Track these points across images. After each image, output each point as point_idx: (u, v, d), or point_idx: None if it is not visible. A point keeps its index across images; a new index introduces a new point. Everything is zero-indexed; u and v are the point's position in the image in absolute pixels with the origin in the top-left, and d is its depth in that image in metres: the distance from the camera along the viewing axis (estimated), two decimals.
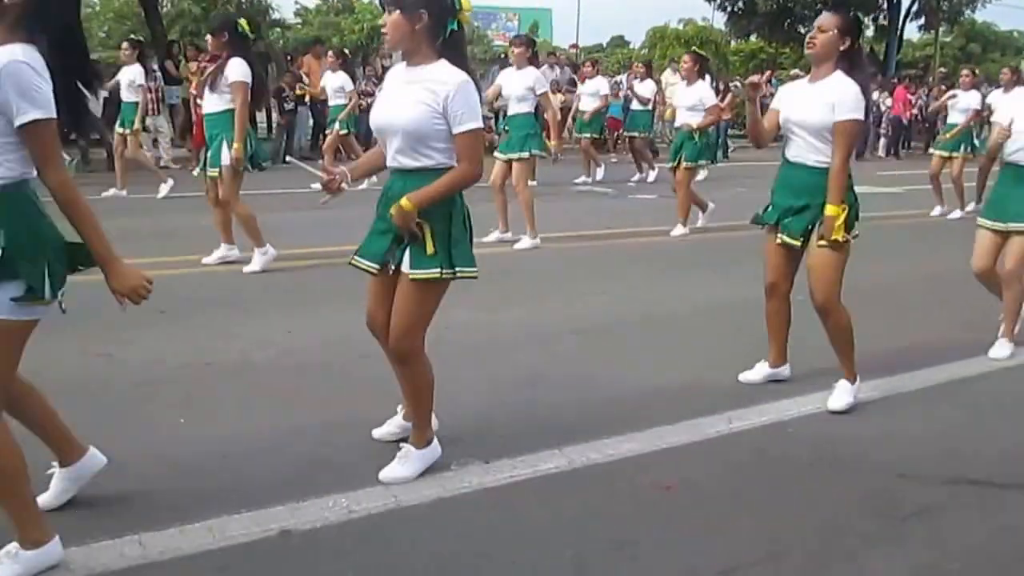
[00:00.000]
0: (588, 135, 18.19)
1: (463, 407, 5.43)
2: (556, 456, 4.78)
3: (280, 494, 4.20)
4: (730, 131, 27.08)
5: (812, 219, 5.48)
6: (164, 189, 14.06)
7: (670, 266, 9.59)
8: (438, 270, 4.30)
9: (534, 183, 13.66)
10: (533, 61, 11.00)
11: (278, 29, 45.74)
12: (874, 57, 40.94)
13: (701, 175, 17.62)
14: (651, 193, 16.14)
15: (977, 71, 16.55)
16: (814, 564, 3.93)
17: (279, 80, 23.29)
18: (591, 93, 18.37)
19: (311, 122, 21.70)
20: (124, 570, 3.63)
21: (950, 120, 14.92)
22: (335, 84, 16.14)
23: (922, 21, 43.78)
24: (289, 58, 25.49)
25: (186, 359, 6.11)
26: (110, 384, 5.67)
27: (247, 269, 8.90)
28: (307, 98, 20.16)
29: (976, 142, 14.91)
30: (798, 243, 5.56)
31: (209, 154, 8.95)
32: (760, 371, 6.02)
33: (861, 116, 5.40)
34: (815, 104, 5.41)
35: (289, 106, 20.26)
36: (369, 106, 21.82)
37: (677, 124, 12.59)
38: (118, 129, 14.50)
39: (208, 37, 9.16)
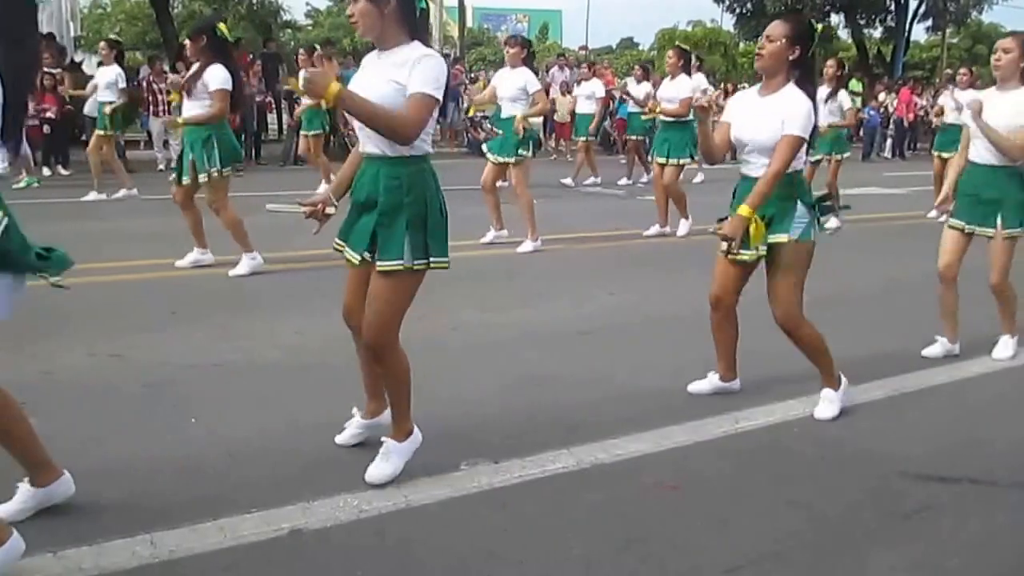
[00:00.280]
0: (584, 137, 18.10)
1: (472, 407, 5.46)
2: (564, 456, 4.80)
3: (290, 494, 4.23)
4: None
5: (775, 224, 5.25)
6: (121, 193, 13.91)
7: (676, 267, 9.59)
8: (403, 262, 4.24)
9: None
10: (528, 62, 10.82)
11: (289, 30, 45.84)
12: (881, 59, 40.98)
13: (698, 178, 17.59)
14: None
15: (974, 69, 16.47)
16: (818, 562, 3.95)
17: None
18: (587, 95, 18.28)
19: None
20: (136, 569, 3.65)
21: (946, 119, 14.81)
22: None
23: (929, 23, 43.71)
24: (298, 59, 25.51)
25: (195, 360, 6.14)
26: (120, 385, 5.69)
27: (233, 272, 8.78)
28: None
29: None
30: (748, 257, 5.32)
31: (187, 161, 8.73)
32: (711, 382, 5.85)
33: (806, 135, 5.13)
34: (765, 121, 5.17)
35: (300, 107, 20.26)
36: None
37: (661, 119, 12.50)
38: (97, 131, 14.28)
39: (187, 42, 9.02)
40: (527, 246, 10.62)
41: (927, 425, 5.54)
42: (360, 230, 4.34)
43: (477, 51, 49.93)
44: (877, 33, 43.47)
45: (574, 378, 5.98)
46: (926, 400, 5.96)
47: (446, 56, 19.42)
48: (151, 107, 18.79)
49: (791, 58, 5.12)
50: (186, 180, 8.75)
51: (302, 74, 4.03)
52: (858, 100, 29.47)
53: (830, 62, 13.54)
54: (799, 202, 5.24)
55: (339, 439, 4.83)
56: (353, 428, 4.86)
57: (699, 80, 13.75)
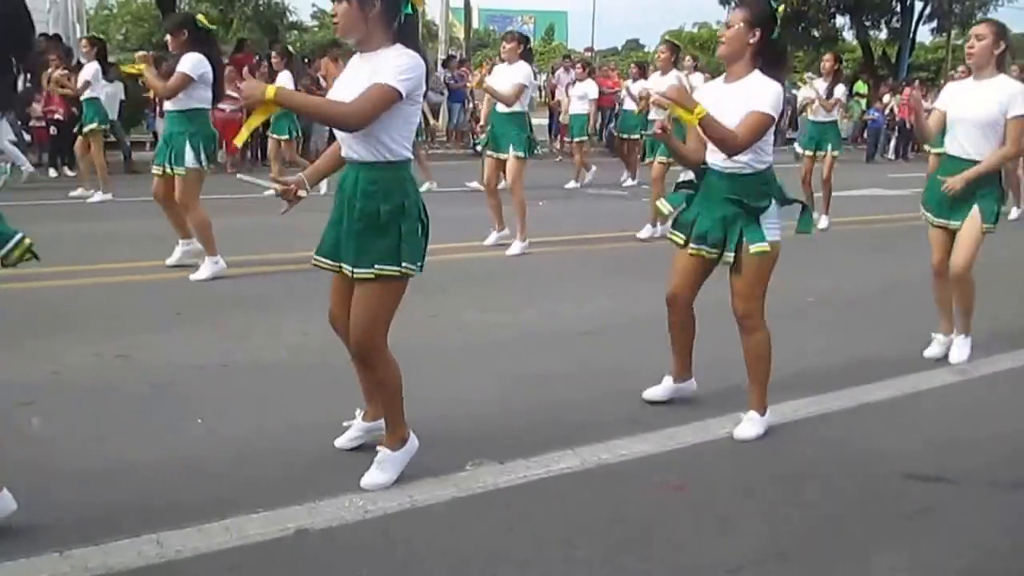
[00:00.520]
0: (577, 138, 17.92)
1: (476, 408, 5.47)
2: (569, 456, 4.81)
3: (296, 494, 4.24)
4: None
5: (743, 229, 5.03)
6: (97, 196, 13.71)
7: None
8: (377, 270, 4.16)
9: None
10: (525, 57, 10.59)
11: (295, 32, 45.87)
12: (886, 60, 40.95)
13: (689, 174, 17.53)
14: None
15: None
16: (820, 563, 3.96)
17: (297, 83, 23.35)
18: (580, 96, 18.09)
19: None
20: (142, 568, 3.67)
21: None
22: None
23: (934, 24, 43.64)
24: (306, 61, 25.52)
25: (202, 360, 6.15)
26: (125, 385, 5.71)
27: (194, 277, 8.55)
28: None
29: None
30: (731, 259, 5.10)
31: (170, 152, 8.57)
32: (666, 387, 5.66)
33: (775, 114, 4.87)
34: (730, 108, 4.91)
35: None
36: None
37: (651, 117, 12.31)
38: (85, 128, 14.03)
39: (167, 36, 8.73)
40: (515, 248, 10.49)
41: (929, 426, 5.54)
42: (341, 241, 4.30)
43: (483, 52, 49.85)
44: (882, 35, 43.41)
45: (578, 378, 5.98)
46: (928, 401, 5.96)
47: (451, 58, 19.43)
48: (157, 108, 18.80)
49: (752, 42, 4.93)
50: (169, 170, 8.61)
51: (240, 87, 4.05)
52: (863, 102, 29.52)
53: (827, 56, 13.66)
54: (774, 201, 5.09)
55: (338, 442, 4.81)
56: (353, 431, 4.84)
57: (695, 80, 13.67)
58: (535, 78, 24.27)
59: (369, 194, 4.14)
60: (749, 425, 5.17)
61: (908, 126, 28.28)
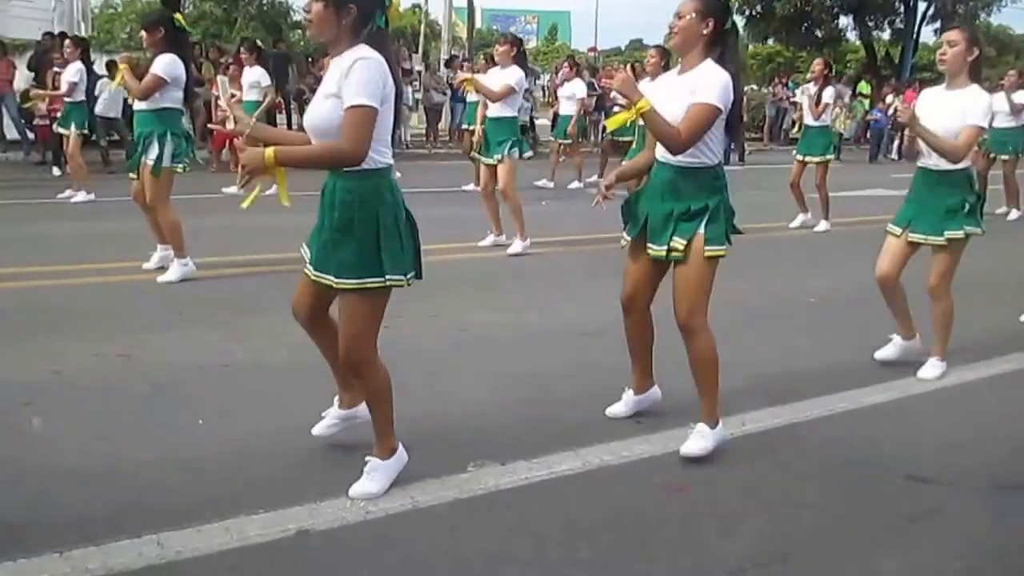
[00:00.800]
0: (561, 138, 17.68)
1: (478, 409, 5.47)
2: (571, 458, 4.81)
3: (297, 494, 4.23)
4: (745, 134, 26.95)
5: (696, 227, 4.80)
6: (80, 197, 13.49)
7: None
8: (358, 280, 4.09)
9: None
10: (519, 60, 10.52)
11: (299, 31, 45.90)
12: (889, 60, 40.93)
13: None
14: None
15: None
16: (824, 564, 3.96)
17: (300, 82, 23.39)
18: (568, 96, 17.75)
19: None
20: (142, 569, 3.66)
21: None
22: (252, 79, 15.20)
23: (938, 25, 43.61)
24: (310, 60, 25.52)
25: (203, 360, 6.15)
26: (127, 385, 5.70)
27: (161, 279, 8.45)
28: None
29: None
30: (662, 254, 4.88)
31: (142, 152, 8.45)
32: (627, 402, 5.45)
33: (721, 106, 4.65)
34: (677, 97, 4.73)
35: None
36: None
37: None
38: (59, 129, 14.01)
39: (143, 33, 8.57)
40: (516, 247, 10.48)
41: (931, 427, 5.54)
42: (319, 247, 4.27)
43: (485, 52, 49.89)
44: (886, 35, 43.40)
45: (579, 379, 5.97)
46: (930, 402, 5.95)
47: (454, 57, 19.42)
48: None
49: (704, 32, 4.74)
50: (136, 174, 8.57)
51: (241, 158, 4.04)
52: (866, 102, 29.51)
53: (817, 60, 13.68)
54: (725, 203, 4.89)
55: (315, 430, 4.79)
56: (330, 419, 4.81)
57: None
58: (537, 79, 24.13)
59: (345, 203, 4.09)
60: (697, 439, 4.91)
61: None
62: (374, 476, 4.36)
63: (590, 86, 22.37)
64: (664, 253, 4.86)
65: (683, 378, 5.77)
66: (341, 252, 4.11)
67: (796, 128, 14.53)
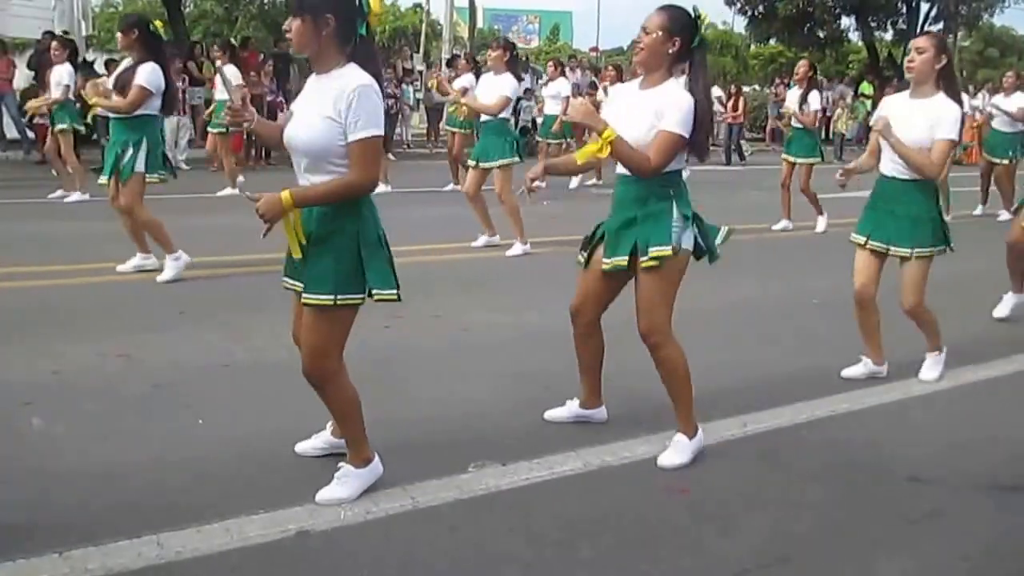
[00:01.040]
0: (555, 141, 17.46)
1: (479, 409, 5.47)
2: (572, 458, 4.80)
3: (298, 495, 4.22)
4: (747, 134, 26.97)
5: (638, 235, 4.72)
6: (74, 196, 13.43)
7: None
8: (331, 297, 4.02)
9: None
10: (512, 66, 10.47)
11: None
12: (892, 61, 40.91)
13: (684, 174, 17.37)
14: None
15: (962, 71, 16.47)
16: (826, 566, 3.95)
17: (301, 81, 23.38)
18: (552, 96, 17.55)
19: None
20: (142, 570, 3.65)
21: None
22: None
23: (940, 26, 43.60)
24: (309, 60, 25.54)
25: (203, 360, 6.15)
26: (128, 385, 5.70)
27: (160, 279, 8.43)
28: None
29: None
30: (624, 263, 4.79)
31: (119, 162, 8.34)
32: (570, 409, 5.39)
33: (686, 133, 4.58)
34: (640, 116, 4.66)
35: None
36: (388, 109, 21.50)
37: None
38: (60, 126, 13.83)
39: (118, 35, 8.52)
40: (516, 249, 10.41)
41: (933, 429, 5.54)
42: (297, 260, 4.16)
43: (487, 52, 49.89)
44: (888, 36, 43.39)
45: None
46: (934, 404, 5.94)
47: (456, 57, 19.42)
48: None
49: (671, 51, 4.65)
50: (109, 179, 8.47)
51: (256, 208, 3.97)
52: (868, 103, 29.49)
53: (801, 63, 13.54)
54: (675, 207, 4.74)
55: (299, 447, 4.73)
56: (319, 441, 4.75)
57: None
58: (539, 79, 24.11)
59: (322, 217, 4.05)
60: (674, 451, 4.86)
61: None
62: (345, 482, 4.29)
63: (591, 85, 22.33)
64: (610, 265, 4.84)
65: None
66: (316, 266, 4.05)
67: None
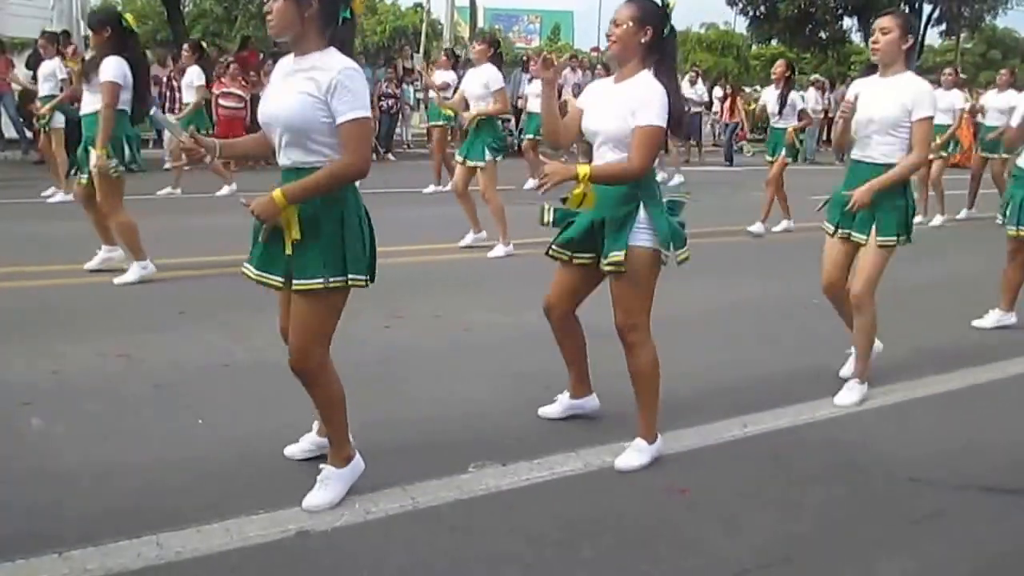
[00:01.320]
0: (532, 136, 17.31)
1: (480, 409, 5.46)
2: (572, 459, 4.80)
3: (298, 495, 4.20)
4: (748, 135, 26.92)
5: (615, 233, 4.69)
6: (58, 196, 13.19)
7: (683, 270, 9.45)
8: (322, 280, 3.96)
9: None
10: (495, 60, 10.42)
11: None
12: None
13: (675, 179, 17.32)
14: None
15: (960, 70, 16.46)
16: (827, 566, 3.95)
17: (208, 76, 23.33)
18: (537, 95, 17.24)
19: None
20: (141, 570, 3.65)
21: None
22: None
23: (943, 27, 43.62)
24: None
25: (203, 360, 6.14)
26: (128, 385, 5.69)
27: (118, 280, 8.27)
28: None
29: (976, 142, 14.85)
30: (586, 261, 4.83)
31: (81, 157, 8.36)
32: (562, 403, 5.40)
33: (663, 124, 4.56)
34: (615, 110, 4.64)
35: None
36: (388, 109, 21.41)
37: None
38: (55, 125, 13.66)
39: (89, 32, 8.32)
40: (499, 250, 10.31)
41: (937, 430, 5.52)
42: (274, 253, 4.09)
43: (471, 46, 49.92)
44: None
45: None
46: (936, 405, 5.93)
47: (456, 58, 19.40)
48: (164, 105, 18.82)
49: (643, 41, 4.61)
50: (84, 179, 8.40)
51: (254, 212, 3.95)
52: None
53: (779, 62, 13.36)
54: (641, 206, 4.67)
55: (288, 450, 4.69)
56: (307, 443, 4.70)
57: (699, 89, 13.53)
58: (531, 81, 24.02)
59: (307, 203, 3.97)
60: (633, 454, 4.80)
61: None
62: (328, 485, 4.25)
63: (529, 82, 22.15)
64: (589, 262, 4.82)
65: (682, 380, 5.78)
66: (303, 253, 3.99)
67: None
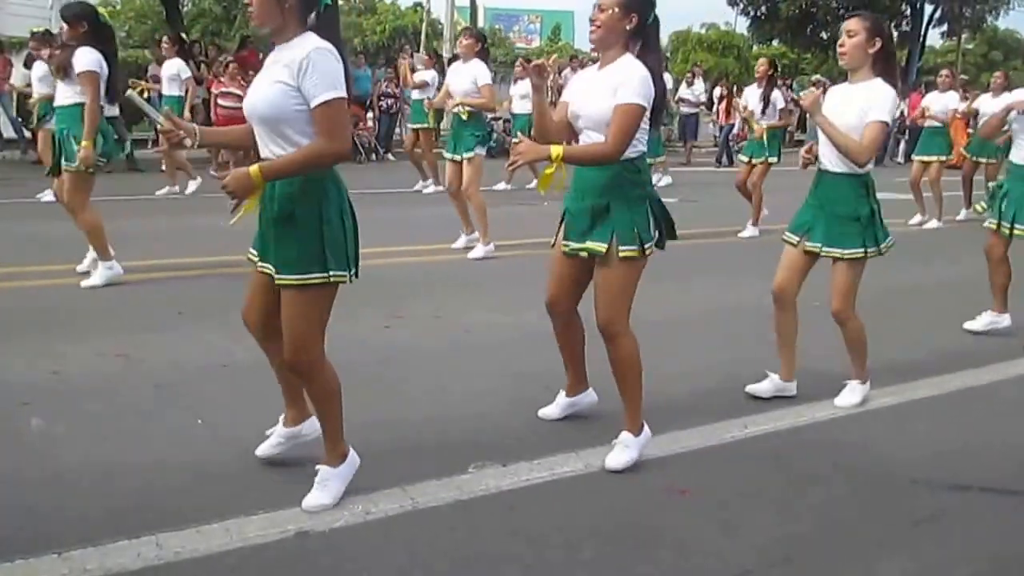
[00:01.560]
0: (516, 138, 17.05)
1: (480, 409, 5.46)
2: (572, 459, 4.79)
3: (297, 495, 4.19)
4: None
5: (605, 221, 4.65)
6: (48, 195, 12.71)
7: (684, 271, 9.45)
8: (301, 276, 3.93)
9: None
10: (482, 55, 10.32)
11: None
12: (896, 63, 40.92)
13: (664, 180, 17.26)
14: (672, 197, 16.11)
15: (955, 71, 16.45)
16: (827, 567, 3.94)
17: (192, 68, 23.35)
18: (522, 95, 17.08)
19: None
20: (141, 570, 3.64)
21: (927, 124, 14.64)
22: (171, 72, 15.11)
23: (945, 28, 43.61)
24: None
25: (203, 360, 6.14)
26: (127, 385, 5.69)
27: (85, 284, 8.14)
28: None
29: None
30: (602, 249, 4.65)
31: (62, 151, 8.16)
32: (559, 403, 5.41)
33: (644, 103, 4.51)
34: (597, 92, 4.60)
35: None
36: (388, 109, 21.30)
37: None
38: (47, 127, 12.84)
39: (63, 26, 8.18)
40: (479, 251, 10.24)
41: (937, 432, 5.51)
42: (267, 240, 4.08)
43: (488, 51, 49.94)
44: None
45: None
46: (937, 407, 5.92)
47: (457, 58, 19.39)
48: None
49: (628, 28, 4.58)
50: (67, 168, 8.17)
51: (223, 184, 3.88)
52: None
53: (761, 61, 13.14)
54: (648, 196, 4.71)
55: (259, 451, 4.63)
56: (275, 438, 4.63)
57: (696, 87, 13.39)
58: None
59: (286, 196, 3.92)
60: (621, 452, 4.77)
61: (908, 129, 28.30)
62: (327, 486, 4.23)
63: (514, 83, 22.07)
64: (581, 250, 4.74)
65: (683, 380, 5.79)
66: (282, 247, 3.96)
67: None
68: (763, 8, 40.14)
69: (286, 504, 4.15)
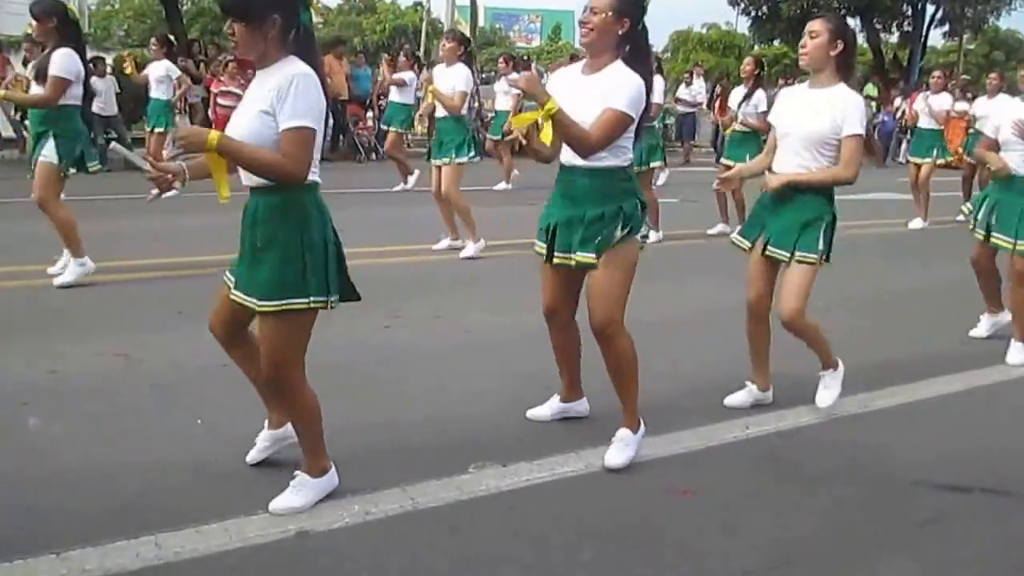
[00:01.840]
0: (500, 137, 16.60)
1: (480, 410, 5.45)
2: (573, 459, 4.78)
3: None
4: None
5: (597, 231, 4.61)
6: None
7: (684, 270, 9.56)
8: (278, 303, 3.89)
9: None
10: (465, 59, 10.20)
11: None
12: (897, 64, 40.89)
13: (661, 179, 17.25)
14: (673, 197, 16.10)
15: (953, 73, 16.41)
16: (829, 569, 3.94)
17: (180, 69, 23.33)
18: (505, 92, 17.01)
19: (331, 121, 21.61)
20: (140, 570, 3.63)
21: (920, 124, 14.62)
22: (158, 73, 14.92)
23: (946, 28, 43.61)
24: None
25: (203, 360, 6.10)
26: (127, 385, 5.69)
27: (58, 282, 8.05)
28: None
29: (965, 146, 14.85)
30: (593, 261, 4.62)
31: (37, 152, 8.07)
32: (551, 406, 5.37)
33: (633, 114, 4.50)
34: (587, 100, 4.52)
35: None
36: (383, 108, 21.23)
37: None
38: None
39: (33, 22, 8.15)
40: (469, 250, 10.18)
41: (940, 433, 5.51)
42: (243, 269, 4.07)
43: (489, 51, 49.97)
44: (894, 38, 43.38)
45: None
46: (939, 408, 5.92)
47: (417, 59, 19.33)
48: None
49: (620, 32, 4.54)
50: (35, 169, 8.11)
51: (177, 133, 3.87)
52: (873, 105, 29.44)
53: (747, 59, 12.86)
54: (621, 206, 4.63)
55: (249, 457, 4.59)
56: (261, 442, 4.59)
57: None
58: (541, 79, 23.98)
59: (268, 220, 3.90)
60: (620, 449, 4.77)
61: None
62: (300, 491, 4.18)
63: (497, 80, 22.00)
64: (571, 262, 4.70)
65: (683, 380, 5.78)
66: (263, 271, 3.92)
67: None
68: (764, 8, 40.14)
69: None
